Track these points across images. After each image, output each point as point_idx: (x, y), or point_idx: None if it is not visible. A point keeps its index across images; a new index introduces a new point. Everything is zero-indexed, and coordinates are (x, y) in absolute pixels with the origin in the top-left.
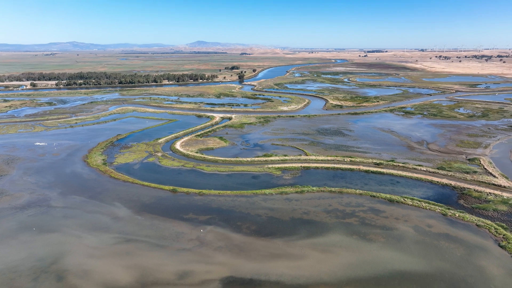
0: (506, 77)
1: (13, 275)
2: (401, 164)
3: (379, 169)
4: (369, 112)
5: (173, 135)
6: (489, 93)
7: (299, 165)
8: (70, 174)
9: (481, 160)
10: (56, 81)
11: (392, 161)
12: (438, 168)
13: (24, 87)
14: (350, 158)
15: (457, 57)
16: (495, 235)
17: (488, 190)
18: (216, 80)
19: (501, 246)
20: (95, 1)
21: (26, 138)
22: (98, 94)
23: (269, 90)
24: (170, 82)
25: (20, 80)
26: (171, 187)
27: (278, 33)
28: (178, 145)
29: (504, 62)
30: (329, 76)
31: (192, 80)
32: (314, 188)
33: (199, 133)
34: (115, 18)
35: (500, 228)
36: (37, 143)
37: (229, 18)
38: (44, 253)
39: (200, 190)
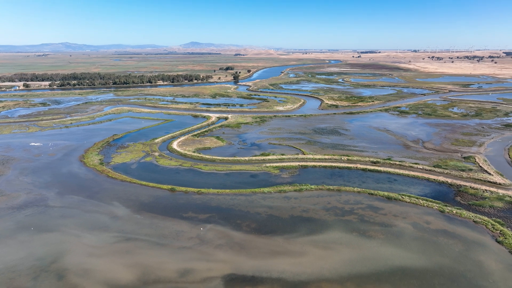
0: (498, 77)
1: (12, 274)
2: (397, 163)
3: (376, 168)
4: (365, 111)
5: (169, 135)
6: (482, 92)
7: (297, 164)
8: (67, 174)
9: (476, 158)
10: (50, 82)
11: (389, 159)
12: (434, 166)
13: (17, 88)
14: (347, 157)
15: (449, 57)
16: (492, 231)
17: (484, 187)
18: (211, 80)
19: (499, 242)
20: (88, 1)
21: (20, 139)
22: (92, 95)
23: (264, 90)
24: (165, 83)
25: (13, 81)
26: (170, 186)
27: (272, 34)
28: (175, 145)
29: (495, 62)
30: (324, 76)
31: (187, 81)
32: (313, 186)
33: (195, 132)
34: (108, 18)
35: (497, 224)
36: (32, 144)
37: (223, 19)
38: (43, 253)
39: (199, 189)
